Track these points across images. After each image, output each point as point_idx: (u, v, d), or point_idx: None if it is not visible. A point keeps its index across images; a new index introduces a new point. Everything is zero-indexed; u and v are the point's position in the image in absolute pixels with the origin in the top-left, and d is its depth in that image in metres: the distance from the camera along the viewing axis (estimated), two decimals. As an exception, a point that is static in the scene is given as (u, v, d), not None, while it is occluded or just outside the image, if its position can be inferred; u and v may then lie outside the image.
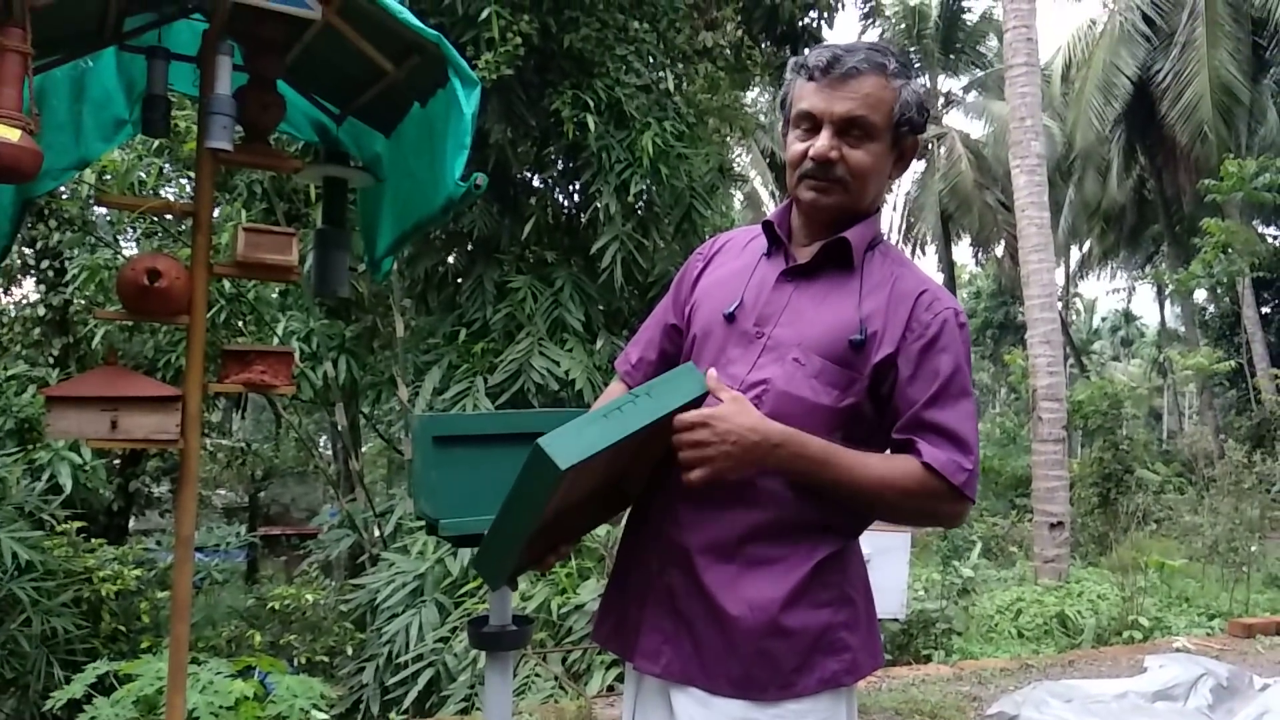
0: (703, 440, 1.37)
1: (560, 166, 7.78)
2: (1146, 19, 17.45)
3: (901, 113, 1.50)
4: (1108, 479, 11.51)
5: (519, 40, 6.24)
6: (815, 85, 1.50)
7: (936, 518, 1.50)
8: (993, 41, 23.45)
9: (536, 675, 4.59)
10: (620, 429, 1.32)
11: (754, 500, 1.45)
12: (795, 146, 1.53)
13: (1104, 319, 44.96)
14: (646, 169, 6.73)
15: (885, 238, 1.62)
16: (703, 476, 1.38)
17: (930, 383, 1.44)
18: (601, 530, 4.99)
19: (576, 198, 7.92)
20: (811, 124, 1.50)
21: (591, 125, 6.62)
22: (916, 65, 23.74)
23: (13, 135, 1.90)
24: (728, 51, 8.43)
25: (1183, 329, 23.12)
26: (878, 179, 1.53)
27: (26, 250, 7.96)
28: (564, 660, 4.68)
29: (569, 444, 1.27)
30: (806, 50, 1.60)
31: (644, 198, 7.22)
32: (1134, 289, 36.83)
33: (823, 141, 1.48)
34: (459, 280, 7.69)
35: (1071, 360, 24.00)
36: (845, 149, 1.48)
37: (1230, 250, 13.20)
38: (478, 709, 4.53)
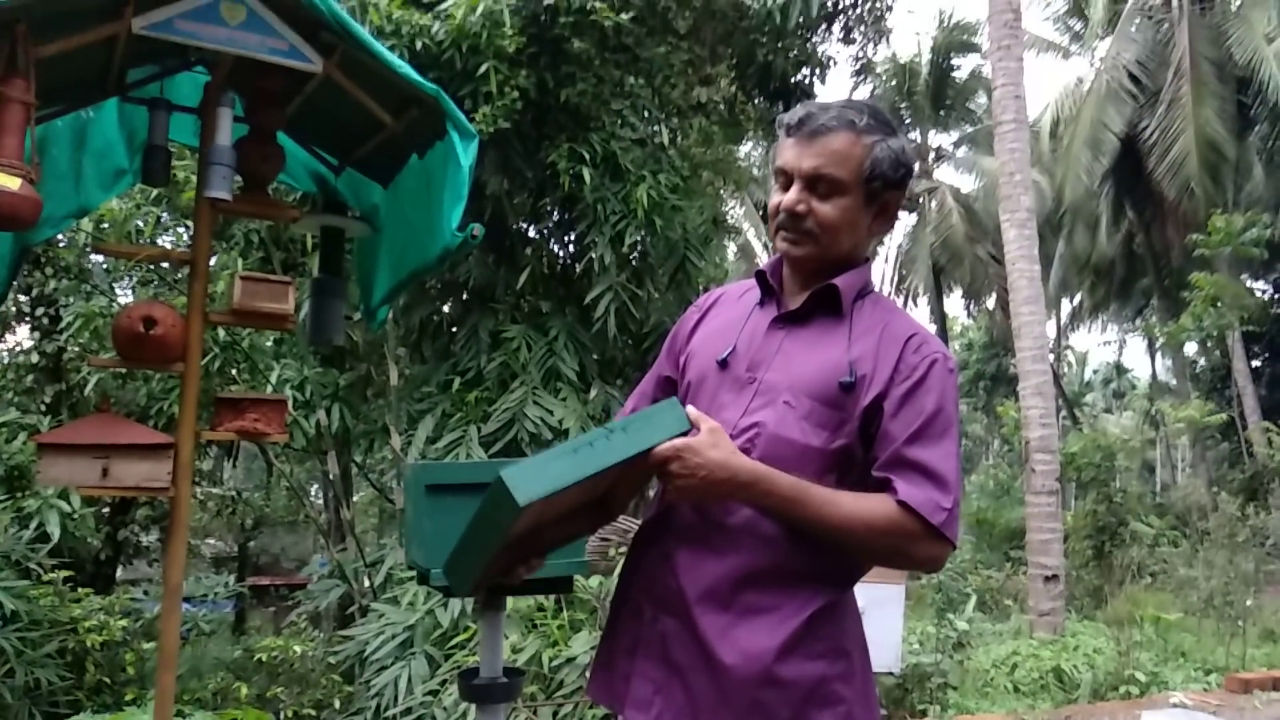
0: (673, 473, 1.39)
1: (556, 217, 7.84)
2: (1133, 77, 17.75)
3: (872, 169, 1.52)
4: (1102, 531, 11.47)
5: (516, 94, 6.34)
6: (791, 141, 1.55)
7: (912, 559, 1.48)
8: (982, 98, 23.78)
9: (527, 730, 4.51)
10: (588, 465, 1.32)
11: (750, 547, 1.45)
12: (772, 199, 1.58)
13: (1095, 371, 45.05)
14: (641, 220, 6.79)
15: (876, 288, 1.64)
16: (674, 499, 1.46)
17: (912, 421, 1.45)
18: (594, 581, 4.95)
19: (571, 248, 7.97)
20: (785, 178, 1.55)
21: (587, 177, 6.70)
22: (907, 121, 24.11)
23: (13, 184, 1.93)
24: (722, 107, 8.56)
25: (1174, 382, 23.22)
26: (850, 232, 1.56)
27: (22, 297, 7.96)
28: (555, 714, 4.60)
29: (531, 479, 1.27)
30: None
31: (638, 249, 7.28)
32: (1125, 342, 37.03)
33: (790, 195, 1.53)
34: (454, 329, 7.71)
35: (1064, 412, 24.02)
36: (814, 203, 1.52)
37: (1219, 304, 13.31)
38: (467, 764, 4.45)
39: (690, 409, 1.45)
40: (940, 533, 1.42)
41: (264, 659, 6.55)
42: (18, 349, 8.39)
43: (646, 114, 7.70)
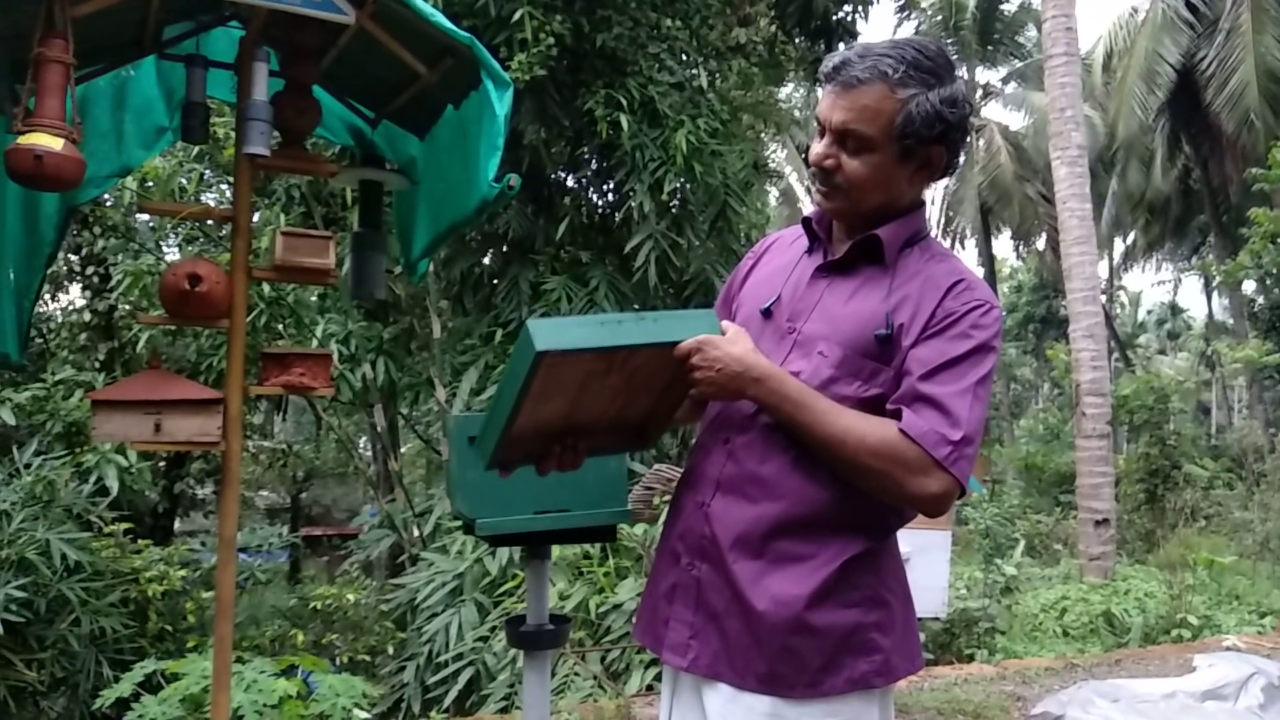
0: (695, 365, 1.41)
1: (594, 166, 7.78)
2: (1190, 5, 17.10)
3: (903, 126, 1.43)
4: (1154, 475, 11.32)
5: (551, 40, 6.25)
6: (828, 89, 1.49)
7: (906, 491, 1.39)
8: (1031, 31, 23.10)
9: (576, 674, 4.59)
10: (610, 337, 1.35)
11: (783, 496, 1.45)
12: (811, 149, 1.53)
13: (1149, 312, 44.15)
14: (680, 167, 6.71)
15: (929, 234, 1.59)
16: (695, 395, 1.47)
17: (932, 360, 1.41)
18: (639, 529, 4.99)
19: (610, 197, 7.92)
20: (821, 128, 1.51)
21: (625, 124, 6.62)
22: (954, 57, 23.45)
23: (56, 144, 1.94)
24: (761, 47, 8.38)
25: (1231, 321, 22.63)
26: (881, 189, 1.49)
27: (72, 257, 8.12)
28: (603, 659, 4.68)
29: (554, 333, 1.32)
30: (841, 45, 1.60)
31: (678, 196, 7.21)
32: (1180, 281, 36.17)
33: (819, 148, 1.49)
34: (494, 281, 7.73)
35: (1116, 354, 23.59)
36: (843, 158, 1.47)
37: (1279, 240, 12.89)
38: (518, 708, 4.54)
39: (725, 323, 1.48)
40: (940, 464, 1.36)
41: (319, 607, 6.73)
42: (70, 308, 8.59)
43: (684, 57, 7.58)
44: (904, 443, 1.37)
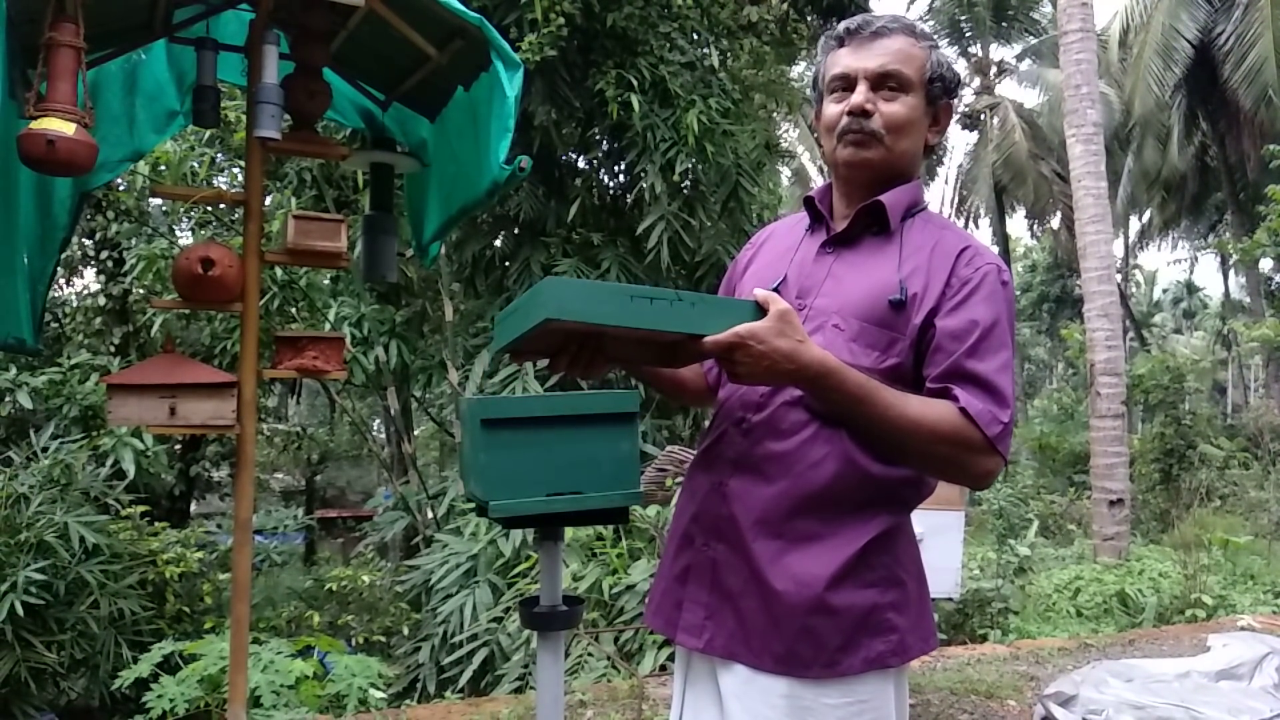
0: (737, 360, 1.34)
1: (605, 147, 7.75)
2: (1207, -20, 16.89)
3: (933, 70, 1.52)
4: (1169, 455, 11.27)
5: (562, 21, 6.21)
6: (847, 49, 1.54)
7: (966, 471, 1.42)
8: (1046, 7, 22.84)
9: (589, 655, 4.62)
10: (634, 319, 1.28)
11: (803, 475, 1.44)
12: (830, 109, 1.55)
13: (1165, 291, 43.84)
14: (692, 147, 6.68)
15: (927, 205, 1.61)
16: (736, 382, 1.42)
17: (967, 334, 1.41)
18: (651, 510, 5.00)
19: (622, 178, 7.89)
20: (846, 84, 1.53)
21: (636, 104, 6.58)
22: (967, 34, 23.30)
23: (68, 129, 1.94)
24: (773, 26, 8.32)
25: (1248, 299, 22.43)
26: (914, 134, 1.53)
27: (86, 241, 8.15)
28: (616, 640, 4.70)
29: (570, 300, 1.25)
30: None
31: (690, 176, 7.17)
32: (1196, 259, 35.78)
33: (857, 96, 1.51)
34: (506, 264, 7.72)
35: (1131, 334, 23.46)
36: (880, 102, 1.50)
37: (1297, 217, 12.75)
38: (532, 688, 4.57)
39: (759, 291, 1.39)
40: (994, 446, 1.38)
41: (334, 588, 6.79)
42: (85, 292, 8.63)
43: (695, 36, 7.53)
44: (967, 425, 1.37)
